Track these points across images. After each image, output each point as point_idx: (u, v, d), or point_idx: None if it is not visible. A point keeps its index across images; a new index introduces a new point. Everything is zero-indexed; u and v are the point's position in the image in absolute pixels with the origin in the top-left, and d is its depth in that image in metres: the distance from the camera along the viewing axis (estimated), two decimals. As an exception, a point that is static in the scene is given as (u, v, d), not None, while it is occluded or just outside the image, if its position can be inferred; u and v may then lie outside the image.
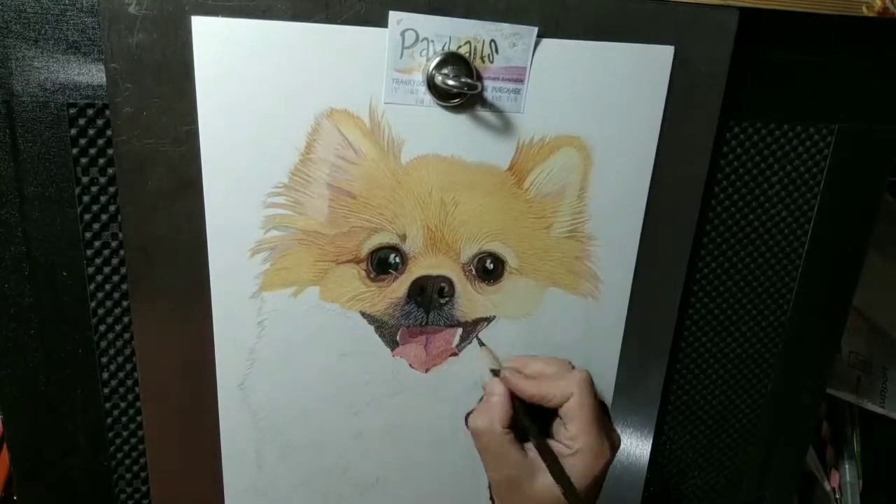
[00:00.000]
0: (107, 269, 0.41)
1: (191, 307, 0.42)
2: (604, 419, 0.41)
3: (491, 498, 0.43)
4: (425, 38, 0.39)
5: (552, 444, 0.41)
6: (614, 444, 0.42)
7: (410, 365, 0.46)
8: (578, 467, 0.39)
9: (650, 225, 0.46)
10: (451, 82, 0.38)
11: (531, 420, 0.41)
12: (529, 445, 0.41)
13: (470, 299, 0.45)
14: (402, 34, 0.39)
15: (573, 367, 0.43)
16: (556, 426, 0.42)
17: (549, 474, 0.39)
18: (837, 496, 0.72)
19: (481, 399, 0.44)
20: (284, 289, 0.42)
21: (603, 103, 0.43)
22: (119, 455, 0.46)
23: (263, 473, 0.47)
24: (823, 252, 0.52)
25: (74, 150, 0.39)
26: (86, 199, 0.40)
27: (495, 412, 0.41)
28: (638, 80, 0.43)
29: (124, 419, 0.45)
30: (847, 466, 0.73)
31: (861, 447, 0.74)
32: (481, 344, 0.46)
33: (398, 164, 0.41)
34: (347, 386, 0.46)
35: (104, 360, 0.43)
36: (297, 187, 0.41)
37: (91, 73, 0.38)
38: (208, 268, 0.41)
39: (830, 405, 0.75)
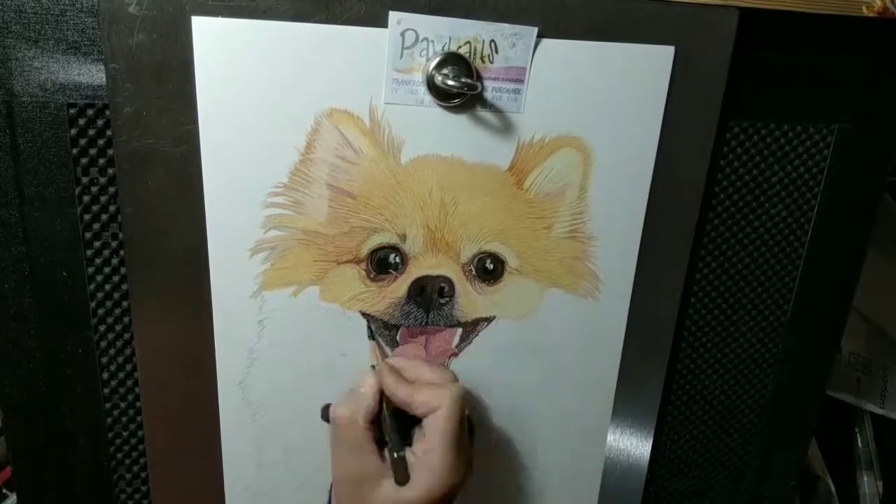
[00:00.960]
0: (107, 269, 0.41)
1: (191, 307, 0.42)
2: (463, 440, 0.40)
3: (329, 501, 0.41)
4: (425, 39, 0.39)
5: (408, 450, 0.40)
6: (468, 469, 0.40)
7: (410, 365, 0.46)
8: (424, 482, 0.38)
9: (650, 225, 0.46)
10: (451, 82, 0.38)
11: (394, 421, 0.40)
12: (385, 451, 0.40)
13: (470, 299, 0.45)
14: (402, 34, 0.39)
15: (455, 380, 0.41)
16: (416, 434, 0.41)
17: (390, 483, 0.38)
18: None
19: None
20: (284, 288, 0.42)
21: (603, 104, 0.43)
22: (119, 455, 0.46)
23: (263, 473, 0.47)
24: (823, 252, 0.52)
25: (74, 151, 0.39)
26: (86, 199, 0.40)
27: (360, 404, 0.40)
28: (638, 80, 0.43)
29: (124, 419, 0.45)
30: (865, 478, 0.72)
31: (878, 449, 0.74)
32: (371, 337, 0.45)
33: (398, 164, 0.41)
34: (347, 386, 0.46)
35: (104, 360, 0.43)
36: (297, 187, 0.41)
37: (91, 74, 0.38)
38: (208, 268, 0.41)
39: (841, 412, 0.75)
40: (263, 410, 0.45)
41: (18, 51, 0.36)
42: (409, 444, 0.41)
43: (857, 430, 0.74)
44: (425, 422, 0.39)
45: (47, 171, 0.39)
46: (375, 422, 0.40)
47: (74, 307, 0.42)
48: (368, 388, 0.41)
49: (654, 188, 0.45)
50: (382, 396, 0.41)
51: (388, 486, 0.38)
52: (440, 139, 0.41)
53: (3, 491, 0.59)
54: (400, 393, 0.40)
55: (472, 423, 0.41)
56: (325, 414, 0.46)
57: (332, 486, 0.41)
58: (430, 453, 0.38)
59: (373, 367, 0.43)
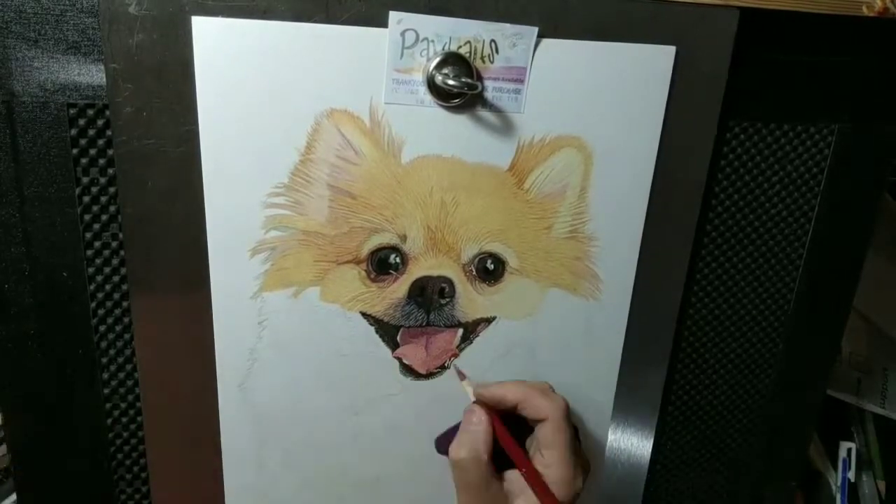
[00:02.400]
0: (107, 270, 0.41)
1: (191, 307, 0.42)
2: (577, 448, 0.40)
3: None
4: (425, 39, 0.39)
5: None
6: (585, 473, 0.41)
7: (411, 365, 0.46)
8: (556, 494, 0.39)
9: (651, 225, 0.46)
10: (451, 82, 0.38)
11: (516, 442, 0.41)
12: (506, 474, 0.40)
13: (470, 300, 0.45)
14: (403, 34, 0.39)
15: (553, 391, 0.42)
16: (531, 453, 0.41)
17: (523, 501, 0.39)
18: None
19: (453, 427, 0.43)
20: (285, 289, 0.42)
21: (604, 104, 0.43)
22: (119, 455, 0.46)
23: (264, 473, 0.47)
24: (823, 252, 0.52)
25: (74, 151, 0.39)
26: (86, 199, 0.40)
27: (479, 440, 0.40)
28: (639, 80, 0.43)
29: (124, 419, 0.45)
30: (865, 478, 0.72)
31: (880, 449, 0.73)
32: (460, 376, 0.45)
33: (398, 164, 0.41)
34: (348, 386, 0.46)
35: (104, 360, 0.43)
36: (297, 187, 0.41)
37: (91, 74, 0.38)
38: (208, 268, 0.41)
39: (840, 413, 0.74)
40: (264, 411, 0.45)
41: (18, 51, 0.36)
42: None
43: (856, 430, 0.74)
44: (540, 436, 0.40)
45: (47, 172, 0.39)
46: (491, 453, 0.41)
47: (74, 307, 0.42)
48: (482, 423, 0.41)
49: (655, 188, 0.45)
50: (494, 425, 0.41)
51: (523, 502, 0.39)
52: (440, 139, 0.41)
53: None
54: (515, 394, 0.40)
55: (577, 430, 0.42)
56: (440, 445, 0.46)
57: None
58: (551, 467, 0.39)
59: (474, 402, 0.43)
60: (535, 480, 0.39)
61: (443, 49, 0.39)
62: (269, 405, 0.45)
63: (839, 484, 0.70)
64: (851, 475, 0.70)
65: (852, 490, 0.71)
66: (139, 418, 0.45)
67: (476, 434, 0.40)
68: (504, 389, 0.41)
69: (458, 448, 0.41)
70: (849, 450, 0.70)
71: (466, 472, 0.40)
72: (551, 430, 0.39)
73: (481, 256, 0.44)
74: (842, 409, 0.74)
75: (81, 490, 0.46)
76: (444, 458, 0.47)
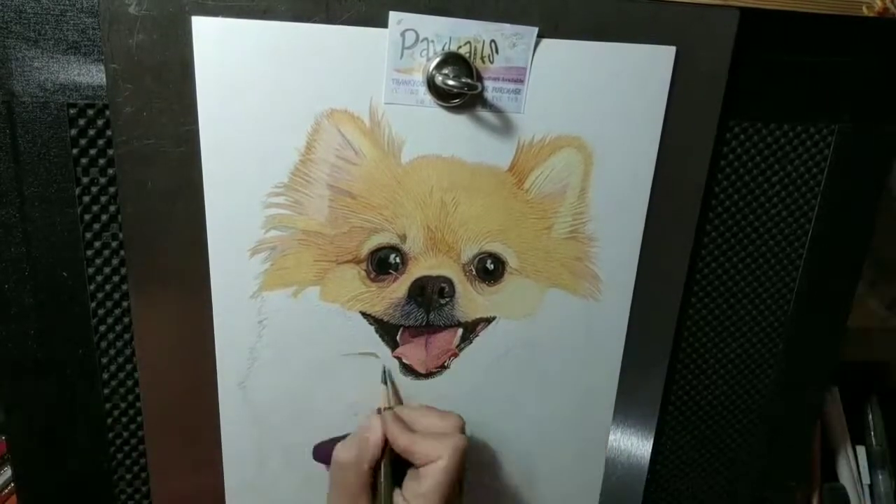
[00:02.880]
0: (107, 270, 0.41)
1: (191, 307, 0.42)
2: (456, 488, 0.40)
3: None
4: (425, 39, 0.39)
5: (396, 491, 0.40)
6: None
7: (411, 365, 0.46)
8: None
9: (651, 225, 0.46)
10: (451, 82, 0.38)
11: (391, 468, 0.41)
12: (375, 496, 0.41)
13: (470, 300, 0.45)
14: (403, 34, 0.39)
15: (461, 431, 0.42)
16: (409, 475, 0.41)
17: None
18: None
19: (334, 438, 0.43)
20: (285, 289, 0.42)
21: (604, 104, 0.43)
22: (119, 455, 0.46)
23: (264, 473, 0.47)
24: (823, 252, 0.52)
25: (75, 151, 0.39)
26: (86, 199, 0.40)
27: (366, 450, 0.40)
28: (639, 80, 0.43)
29: (124, 419, 0.45)
30: (880, 476, 0.71)
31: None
32: (384, 382, 0.45)
33: (398, 164, 0.41)
34: (347, 386, 0.46)
35: (104, 360, 0.43)
36: (297, 187, 0.41)
37: (91, 74, 0.38)
38: (208, 268, 0.41)
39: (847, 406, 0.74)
40: (264, 411, 0.45)
41: (18, 51, 0.36)
42: (399, 485, 0.41)
43: (869, 428, 0.74)
44: (423, 469, 0.40)
45: (47, 172, 0.39)
46: (374, 466, 0.41)
47: (74, 307, 0.42)
48: (375, 435, 0.41)
49: (655, 188, 0.45)
50: (385, 442, 0.41)
51: None
52: (440, 139, 0.41)
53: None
54: (401, 441, 0.40)
55: (462, 483, 0.42)
56: (318, 454, 0.46)
57: None
58: (421, 498, 0.39)
59: (378, 410, 0.44)
60: None
61: (443, 49, 0.39)
62: (269, 405, 0.45)
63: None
64: (865, 476, 0.70)
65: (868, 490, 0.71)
66: (139, 418, 0.45)
67: (365, 443, 0.41)
68: (400, 437, 0.40)
69: (343, 449, 0.41)
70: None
71: (342, 474, 0.41)
72: (437, 468, 0.39)
73: (481, 256, 0.44)
74: (852, 407, 0.74)
75: (81, 490, 0.46)
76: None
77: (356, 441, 0.41)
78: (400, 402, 0.46)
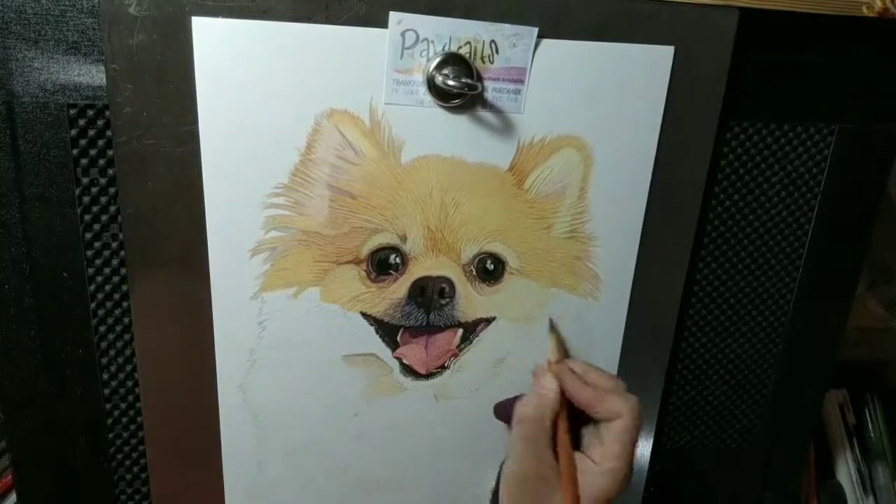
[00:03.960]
0: (107, 270, 0.41)
1: (191, 308, 0.42)
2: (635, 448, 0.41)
3: (492, 501, 0.42)
4: (425, 39, 0.39)
5: (578, 455, 0.40)
6: (632, 471, 0.41)
7: (411, 365, 0.46)
8: (601, 486, 0.39)
9: (650, 225, 0.46)
10: (451, 83, 0.38)
11: (567, 423, 0.41)
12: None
13: (470, 300, 0.45)
14: (403, 35, 0.39)
15: (625, 389, 0.42)
16: (589, 439, 0.41)
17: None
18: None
19: (519, 395, 0.43)
20: (285, 289, 0.42)
21: (603, 104, 0.43)
22: (119, 455, 0.46)
23: (263, 474, 0.47)
24: (823, 252, 0.52)
25: (75, 151, 0.39)
26: (86, 199, 0.40)
27: (547, 404, 0.41)
28: (638, 80, 0.43)
29: (124, 419, 0.45)
30: (880, 469, 0.72)
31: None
32: (552, 329, 0.45)
33: (398, 164, 0.41)
34: (348, 387, 0.46)
35: (104, 360, 0.43)
36: (297, 188, 0.41)
37: (91, 74, 0.38)
38: (208, 268, 0.41)
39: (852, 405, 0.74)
40: (263, 411, 0.45)
41: (18, 51, 0.36)
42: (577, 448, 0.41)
43: (868, 421, 0.74)
44: (606, 428, 0.40)
45: (47, 172, 0.39)
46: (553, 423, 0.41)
47: (74, 307, 0.42)
48: (554, 391, 0.41)
49: (654, 188, 0.45)
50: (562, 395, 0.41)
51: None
52: (440, 139, 0.41)
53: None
54: (584, 395, 0.40)
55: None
56: (499, 412, 0.46)
57: (498, 484, 0.42)
58: (609, 459, 0.39)
59: (548, 361, 0.43)
60: (568, 467, 0.39)
61: (443, 49, 0.39)
62: (269, 405, 0.45)
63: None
64: (862, 467, 0.70)
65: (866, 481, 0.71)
66: (139, 418, 0.45)
67: (546, 398, 0.41)
68: (581, 389, 0.41)
69: (525, 405, 0.41)
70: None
71: (525, 429, 0.41)
72: (621, 427, 0.39)
73: (481, 256, 0.44)
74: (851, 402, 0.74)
75: (81, 490, 0.46)
76: (442, 459, 0.47)
77: (535, 396, 0.41)
78: (567, 353, 0.46)
